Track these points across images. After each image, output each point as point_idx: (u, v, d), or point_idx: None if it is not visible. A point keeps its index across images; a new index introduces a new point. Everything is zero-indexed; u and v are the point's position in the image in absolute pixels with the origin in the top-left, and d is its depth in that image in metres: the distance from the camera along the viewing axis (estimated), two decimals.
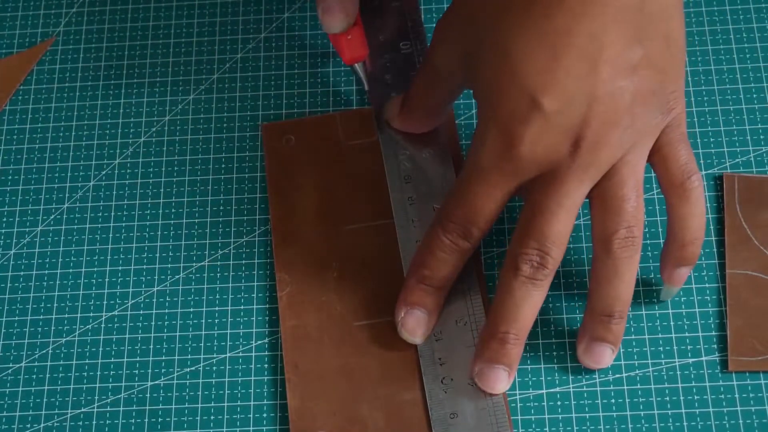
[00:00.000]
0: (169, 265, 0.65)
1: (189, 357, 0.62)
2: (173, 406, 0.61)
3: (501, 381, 0.59)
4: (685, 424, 0.59)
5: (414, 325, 0.60)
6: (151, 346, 0.62)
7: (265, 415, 0.60)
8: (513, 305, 0.58)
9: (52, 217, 0.66)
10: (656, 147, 0.58)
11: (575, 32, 0.56)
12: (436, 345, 0.60)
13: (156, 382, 0.61)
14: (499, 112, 0.57)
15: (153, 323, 0.63)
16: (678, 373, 0.60)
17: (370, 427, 0.59)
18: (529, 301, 0.58)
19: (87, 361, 0.62)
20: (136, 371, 0.62)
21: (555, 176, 0.57)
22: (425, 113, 0.64)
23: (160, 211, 0.66)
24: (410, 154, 0.65)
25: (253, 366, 0.61)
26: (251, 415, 0.60)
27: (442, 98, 0.63)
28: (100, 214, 0.66)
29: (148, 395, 0.61)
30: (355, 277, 0.63)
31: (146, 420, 0.60)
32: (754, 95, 0.67)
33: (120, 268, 0.65)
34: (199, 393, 0.61)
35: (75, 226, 0.66)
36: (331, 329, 0.62)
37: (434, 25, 0.68)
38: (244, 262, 0.64)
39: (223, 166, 0.67)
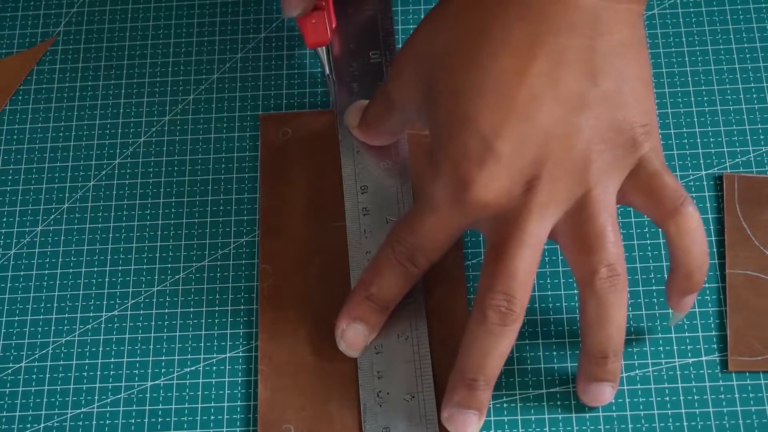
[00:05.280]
0: (169, 265, 0.65)
1: (189, 357, 0.62)
2: (173, 406, 0.61)
3: (471, 425, 0.58)
4: (685, 424, 0.59)
5: (354, 338, 0.60)
6: (151, 346, 0.62)
7: None
8: (480, 353, 0.57)
9: (52, 217, 0.66)
10: (635, 183, 0.57)
11: (524, 72, 0.55)
12: (375, 358, 0.60)
13: (156, 382, 0.61)
14: (453, 152, 0.56)
15: (153, 323, 0.63)
16: (678, 373, 0.60)
17: (338, 425, 0.59)
18: (497, 349, 0.57)
19: (87, 361, 0.62)
20: (136, 371, 0.62)
21: (513, 215, 0.56)
22: (380, 134, 0.64)
23: (160, 211, 0.66)
24: (368, 163, 0.65)
25: (253, 366, 0.61)
26: (251, 416, 0.60)
27: (396, 126, 0.63)
28: (100, 214, 0.66)
29: (148, 395, 0.61)
30: (336, 275, 0.63)
31: (146, 420, 0.60)
32: (754, 95, 0.67)
33: (120, 268, 0.65)
34: (199, 393, 0.61)
35: (75, 226, 0.66)
36: (308, 324, 0.62)
37: (407, 35, 0.69)
38: (244, 261, 0.64)
39: (223, 166, 0.67)
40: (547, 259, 0.63)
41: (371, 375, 0.60)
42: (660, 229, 0.63)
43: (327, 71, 0.67)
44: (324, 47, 0.66)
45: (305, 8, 0.65)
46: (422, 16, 0.71)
